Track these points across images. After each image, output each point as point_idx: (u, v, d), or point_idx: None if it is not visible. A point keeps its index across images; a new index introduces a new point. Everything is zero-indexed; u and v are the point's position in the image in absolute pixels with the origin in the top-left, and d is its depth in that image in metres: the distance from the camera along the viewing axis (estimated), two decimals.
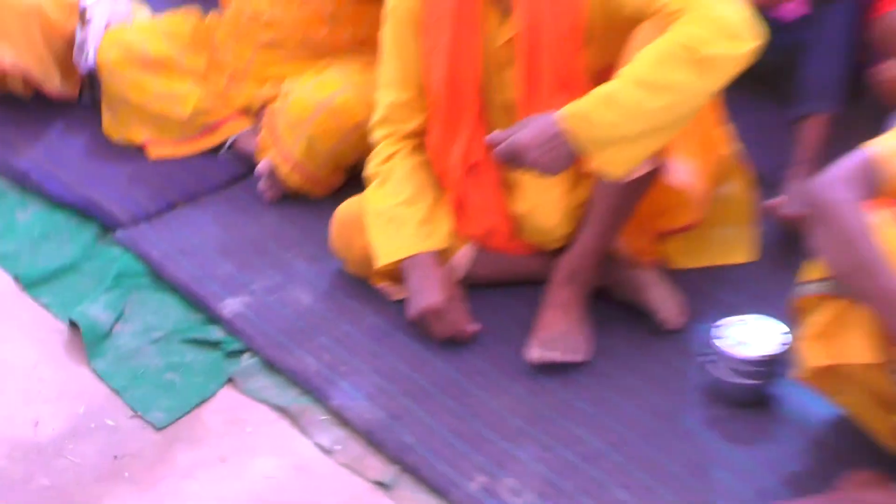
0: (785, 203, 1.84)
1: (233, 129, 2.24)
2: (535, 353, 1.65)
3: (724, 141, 1.74)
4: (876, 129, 1.64)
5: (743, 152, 1.83)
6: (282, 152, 2.04)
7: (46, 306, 1.90)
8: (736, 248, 1.87)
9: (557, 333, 1.67)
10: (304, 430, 1.61)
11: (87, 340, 1.77)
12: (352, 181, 2.03)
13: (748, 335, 1.58)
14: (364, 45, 2.10)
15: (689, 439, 1.53)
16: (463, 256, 1.79)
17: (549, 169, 1.53)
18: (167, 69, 2.20)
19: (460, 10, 1.65)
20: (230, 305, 1.82)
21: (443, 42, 1.67)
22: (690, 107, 1.51)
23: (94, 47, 2.20)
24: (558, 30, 1.62)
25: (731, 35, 1.48)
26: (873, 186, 1.29)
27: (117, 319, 1.83)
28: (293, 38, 2.18)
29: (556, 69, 1.65)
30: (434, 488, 1.48)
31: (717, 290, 1.81)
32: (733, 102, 1.73)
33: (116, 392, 1.70)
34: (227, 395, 1.70)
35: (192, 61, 2.23)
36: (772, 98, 2.14)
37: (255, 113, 2.22)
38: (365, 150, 1.86)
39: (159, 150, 2.23)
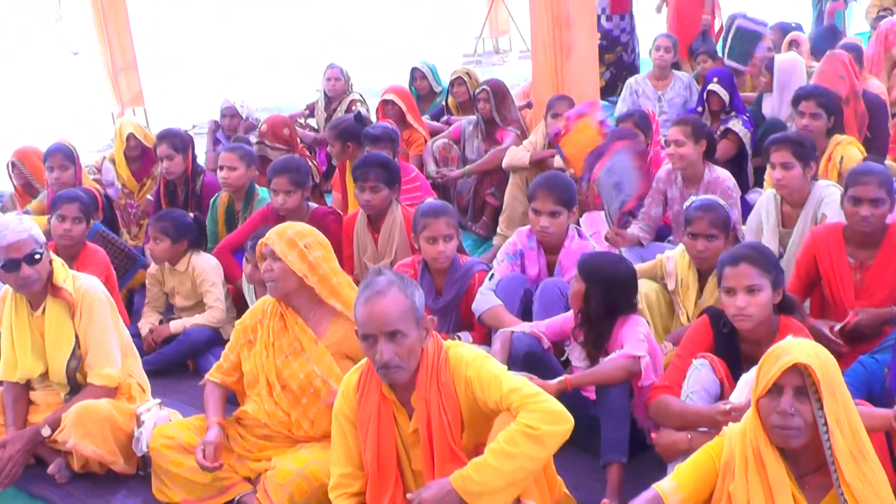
0: None
1: (239, 490, 4.39)
2: None
3: (559, 485, 3.74)
4: (661, 472, 3.69)
5: (570, 490, 3.85)
6: None
7: None
8: None
9: None
10: None
11: None
12: None
13: None
14: (324, 438, 4.27)
15: None
16: None
17: None
18: (193, 452, 4.34)
19: (380, 413, 3.67)
20: None
21: (371, 434, 3.66)
22: (534, 467, 3.41)
23: (146, 441, 4.41)
24: (443, 424, 3.58)
25: (555, 420, 3.42)
26: None
27: None
28: (280, 434, 4.42)
29: (445, 448, 3.57)
30: None
31: None
32: (565, 457, 3.77)
33: None
34: None
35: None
36: (588, 451, 4.32)
37: (254, 480, 4.34)
38: (326, 502, 3.85)
39: None
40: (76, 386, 4.86)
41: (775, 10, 13.79)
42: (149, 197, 7.86)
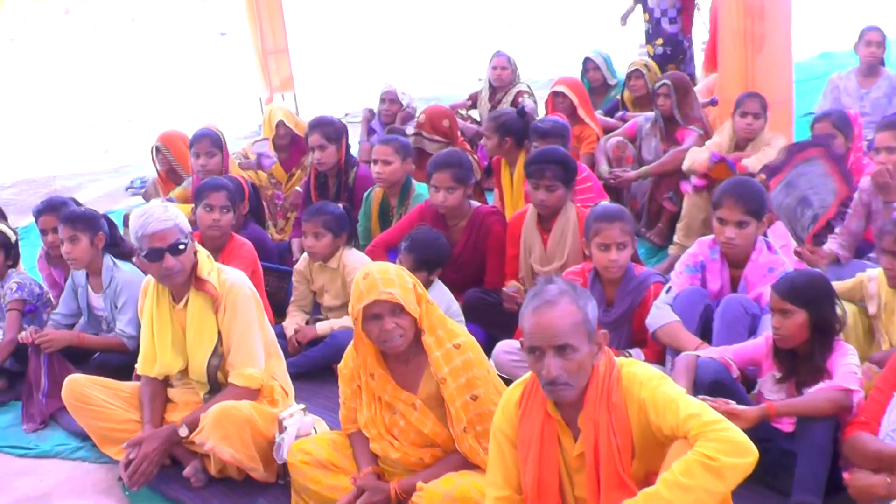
0: None
1: None
2: None
3: None
4: None
5: None
6: None
7: None
8: None
9: None
10: None
11: None
12: None
13: None
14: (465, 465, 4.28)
15: None
16: None
17: None
18: (333, 469, 4.47)
19: (543, 433, 3.67)
20: None
21: (532, 455, 3.67)
22: (711, 502, 3.33)
23: (287, 449, 4.52)
24: (612, 448, 3.56)
25: (738, 451, 3.36)
26: None
27: None
28: (407, 467, 4.42)
29: (612, 475, 3.56)
30: None
31: None
32: (745, 493, 3.68)
33: None
34: None
35: (350, 465, 4.49)
36: (774, 488, 4.24)
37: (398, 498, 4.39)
38: None
39: None
40: (216, 385, 5.01)
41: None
42: (297, 188, 8.02)
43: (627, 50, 15.03)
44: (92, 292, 6.17)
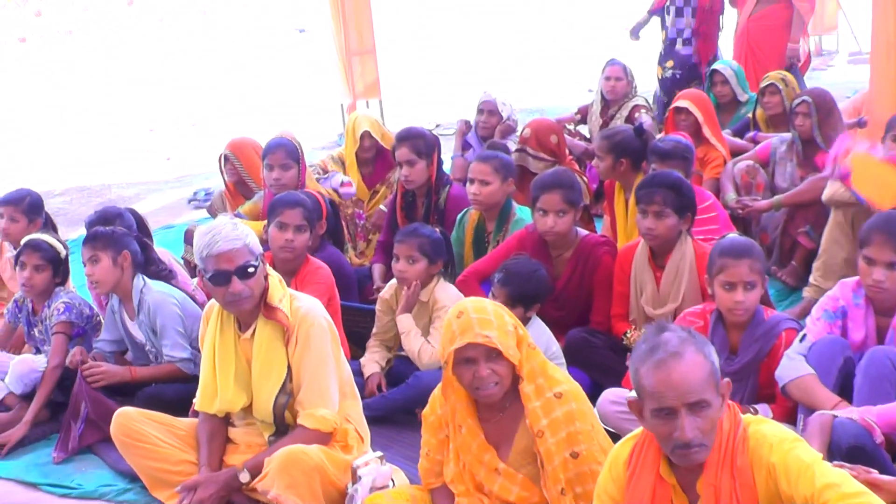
0: None
1: None
2: None
3: None
4: None
5: None
6: None
7: None
8: None
9: None
10: None
11: None
12: None
13: None
14: None
15: None
16: None
17: None
18: None
19: (655, 498, 3.63)
20: None
21: None
22: None
23: (361, 502, 4.53)
24: None
25: None
26: None
27: None
28: None
29: None
30: None
31: None
32: None
33: None
34: None
35: None
36: None
37: None
38: None
39: None
40: (283, 426, 5.04)
41: None
42: (381, 207, 8.05)
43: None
44: (128, 320, 6.27)
